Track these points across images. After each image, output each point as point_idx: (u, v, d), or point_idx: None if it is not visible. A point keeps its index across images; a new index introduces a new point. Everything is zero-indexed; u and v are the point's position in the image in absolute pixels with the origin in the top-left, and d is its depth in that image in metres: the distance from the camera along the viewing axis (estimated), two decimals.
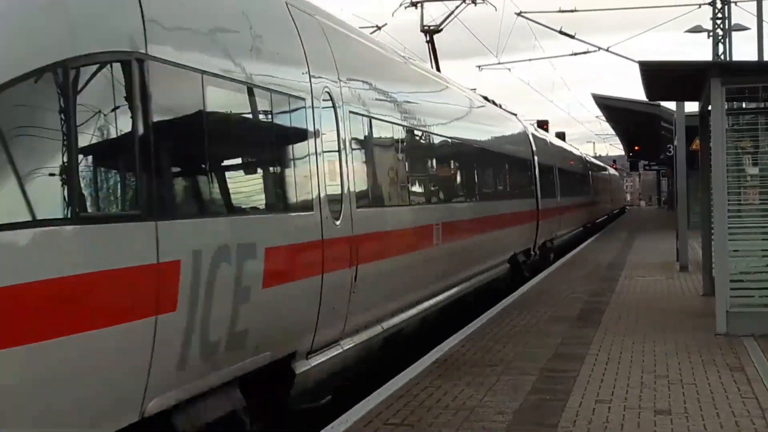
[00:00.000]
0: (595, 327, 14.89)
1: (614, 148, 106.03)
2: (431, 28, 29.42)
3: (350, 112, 11.52)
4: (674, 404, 9.53)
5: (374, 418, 9.26)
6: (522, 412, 9.33)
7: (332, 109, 10.84)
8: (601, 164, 77.18)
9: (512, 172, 24.75)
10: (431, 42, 29.10)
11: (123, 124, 7.00)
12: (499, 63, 43.33)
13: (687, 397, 9.80)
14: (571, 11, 32.60)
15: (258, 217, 9.00)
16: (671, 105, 25.60)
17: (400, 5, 29.56)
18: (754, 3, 28.13)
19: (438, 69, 27.26)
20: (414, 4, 29.41)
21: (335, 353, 10.66)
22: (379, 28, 30.49)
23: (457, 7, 29.52)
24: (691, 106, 22.41)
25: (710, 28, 33.36)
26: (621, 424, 8.80)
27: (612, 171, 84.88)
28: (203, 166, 8.10)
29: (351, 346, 11.18)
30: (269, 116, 9.28)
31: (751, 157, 15.32)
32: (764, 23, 27.80)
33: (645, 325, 14.97)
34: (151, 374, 6.87)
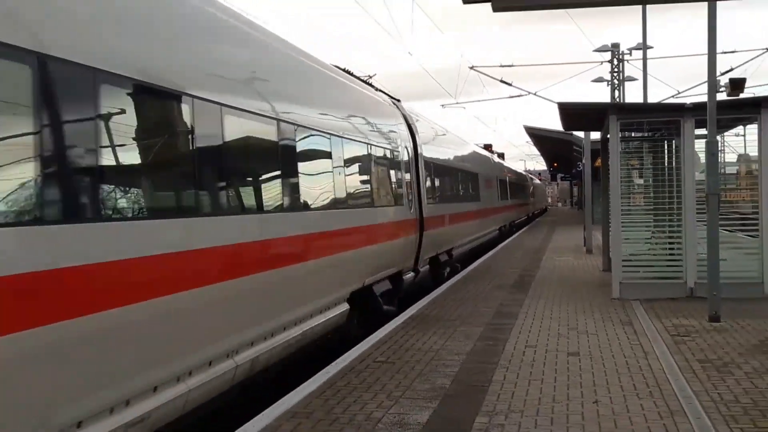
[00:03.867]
0: (526, 293, 14.95)
1: (539, 164, 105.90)
2: None
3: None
4: (582, 348, 9.60)
5: (366, 357, 9.32)
6: (472, 353, 9.40)
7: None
8: (520, 171, 60.01)
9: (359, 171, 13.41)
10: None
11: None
12: (457, 103, 43.53)
13: (591, 344, 9.87)
14: (510, 66, 32.76)
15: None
16: (580, 134, 25.65)
17: None
18: (641, 61, 28.27)
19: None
20: None
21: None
22: (370, 77, 30.15)
23: None
24: (595, 135, 22.50)
25: (609, 78, 33.41)
26: (543, 362, 8.86)
27: (536, 180, 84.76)
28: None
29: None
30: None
31: (637, 171, 15.43)
32: (649, 76, 27.90)
33: (561, 291, 15.03)
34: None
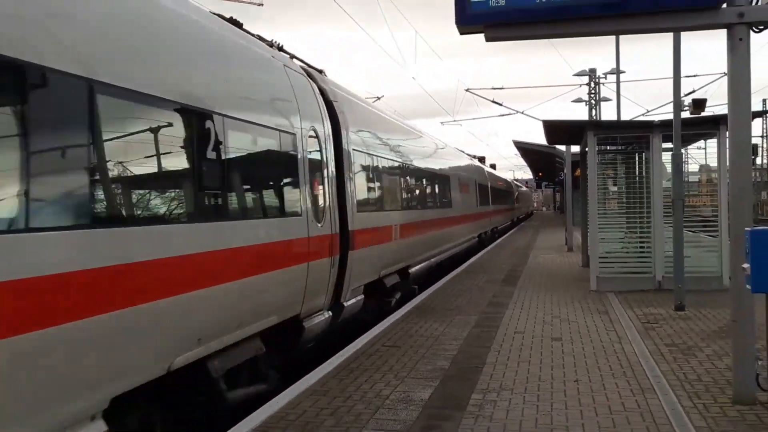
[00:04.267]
0: (514, 285, 14.91)
1: (527, 174, 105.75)
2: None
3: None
4: (564, 334, 9.58)
5: (376, 342, 9.30)
6: (468, 338, 9.38)
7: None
8: (503, 177, 50.18)
9: (184, 158, 6.21)
10: None
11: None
12: (454, 120, 43.65)
13: (572, 330, 9.85)
14: (501, 88, 32.69)
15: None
16: (562, 147, 25.59)
17: None
18: (615, 84, 28.23)
19: None
20: None
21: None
22: (378, 98, 29.63)
23: None
24: (575, 148, 22.44)
25: (587, 99, 33.34)
26: (531, 346, 8.85)
27: (523, 188, 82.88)
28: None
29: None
30: None
31: (611, 180, 15.41)
32: (621, 97, 27.87)
33: (545, 284, 14.98)
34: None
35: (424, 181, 17.03)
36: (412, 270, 14.69)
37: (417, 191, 16.27)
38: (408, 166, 15.27)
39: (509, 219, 46.63)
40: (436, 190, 18.45)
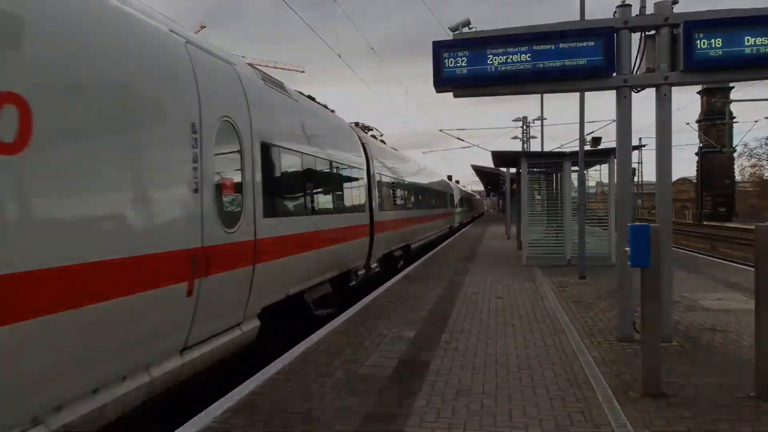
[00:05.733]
0: (472, 261, 14.88)
1: (480, 187, 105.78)
2: None
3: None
4: (505, 294, 9.57)
5: (378, 298, 9.28)
6: (441, 297, 9.36)
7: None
8: (441, 179, 27.83)
9: None
10: None
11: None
12: (431, 151, 43.90)
13: (510, 291, 9.86)
14: (463, 129, 32.74)
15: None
16: (504, 169, 25.53)
17: None
18: (540, 126, 28.19)
19: None
20: None
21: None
22: (382, 134, 28.56)
23: None
24: (512, 169, 22.40)
25: (521, 136, 33.29)
26: (482, 302, 8.83)
27: (477, 196, 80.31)
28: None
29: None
30: None
31: (537, 191, 15.44)
32: (545, 135, 27.79)
33: (493, 260, 14.96)
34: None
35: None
36: None
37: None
38: None
39: (446, 225, 27.00)
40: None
